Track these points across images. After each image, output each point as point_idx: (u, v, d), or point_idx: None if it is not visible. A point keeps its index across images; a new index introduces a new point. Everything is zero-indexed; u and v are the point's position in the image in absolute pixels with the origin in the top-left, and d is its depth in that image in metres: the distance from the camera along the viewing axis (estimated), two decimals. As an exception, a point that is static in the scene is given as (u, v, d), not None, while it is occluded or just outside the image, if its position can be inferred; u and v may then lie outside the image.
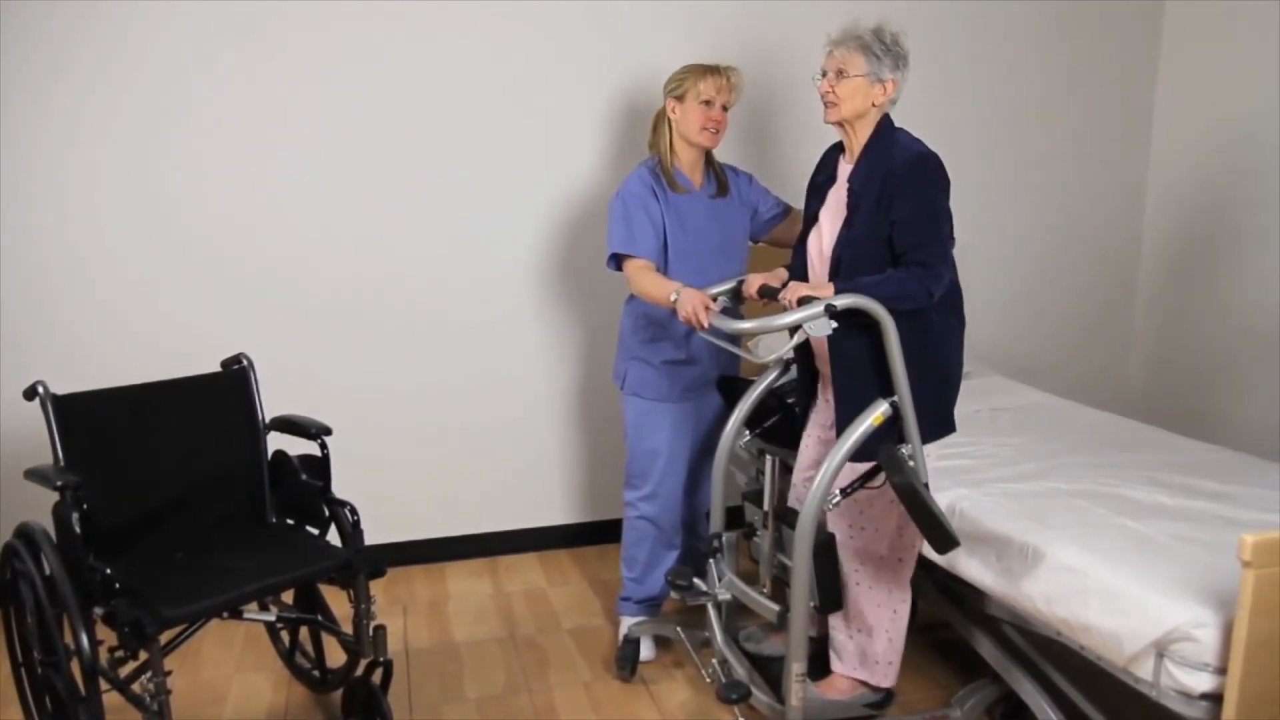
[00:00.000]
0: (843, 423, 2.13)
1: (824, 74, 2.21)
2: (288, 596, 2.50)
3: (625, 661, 2.69)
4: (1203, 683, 1.67)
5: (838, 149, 2.32)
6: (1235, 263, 3.60)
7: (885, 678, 2.35)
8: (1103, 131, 3.86)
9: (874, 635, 2.33)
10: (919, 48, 2.21)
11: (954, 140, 3.61)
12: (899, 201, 2.09)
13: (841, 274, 2.18)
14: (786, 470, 2.50)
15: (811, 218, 2.33)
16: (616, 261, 2.59)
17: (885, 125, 2.22)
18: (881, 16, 2.20)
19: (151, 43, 2.91)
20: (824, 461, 2.09)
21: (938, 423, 2.18)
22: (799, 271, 2.37)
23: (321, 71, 3.05)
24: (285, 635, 2.72)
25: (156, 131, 2.96)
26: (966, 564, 2.17)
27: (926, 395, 2.12)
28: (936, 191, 2.12)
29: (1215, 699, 1.67)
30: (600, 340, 3.40)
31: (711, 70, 2.56)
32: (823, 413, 2.38)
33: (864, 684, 2.36)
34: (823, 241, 2.27)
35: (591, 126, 3.30)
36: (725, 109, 2.58)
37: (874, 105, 2.18)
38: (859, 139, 2.22)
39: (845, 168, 2.26)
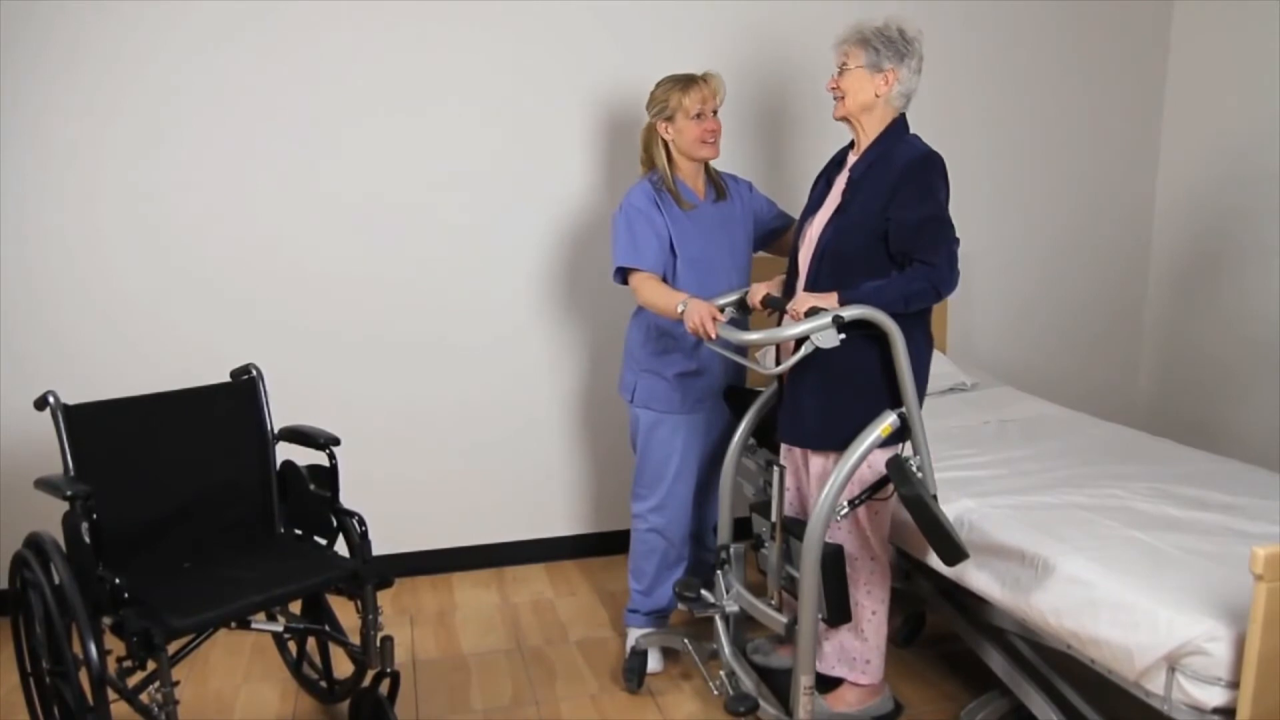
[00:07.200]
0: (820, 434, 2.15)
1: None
2: (295, 607, 2.50)
3: (633, 673, 2.69)
4: (1215, 697, 1.66)
5: (849, 147, 2.31)
6: (1243, 274, 3.59)
7: (865, 675, 2.34)
8: (1111, 141, 3.85)
9: (854, 635, 2.33)
10: (927, 53, 2.21)
11: (961, 149, 3.61)
12: (901, 198, 2.09)
13: (825, 258, 2.18)
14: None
15: (812, 207, 2.32)
16: (623, 275, 2.60)
17: (897, 125, 2.21)
18: (892, 14, 2.20)
19: (155, 55, 2.93)
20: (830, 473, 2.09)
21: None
22: (792, 263, 2.36)
23: (325, 86, 3.06)
24: (293, 645, 2.72)
25: (161, 145, 2.98)
26: (975, 576, 2.16)
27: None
28: (940, 191, 2.12)
29: (1228, 713, 1.65)
30: (605, 351, 3.40)
31: (689, 82, 2.53)
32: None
33: (853, 684, 2.36)
34: (813, 228, 2.27)
35: (593, 141, 3.30)
36: (715, 113, 2.58)
37: (877, 96, 2.18)
38: (867, 135, 2.22)
39: (852, 159, 2.27)
